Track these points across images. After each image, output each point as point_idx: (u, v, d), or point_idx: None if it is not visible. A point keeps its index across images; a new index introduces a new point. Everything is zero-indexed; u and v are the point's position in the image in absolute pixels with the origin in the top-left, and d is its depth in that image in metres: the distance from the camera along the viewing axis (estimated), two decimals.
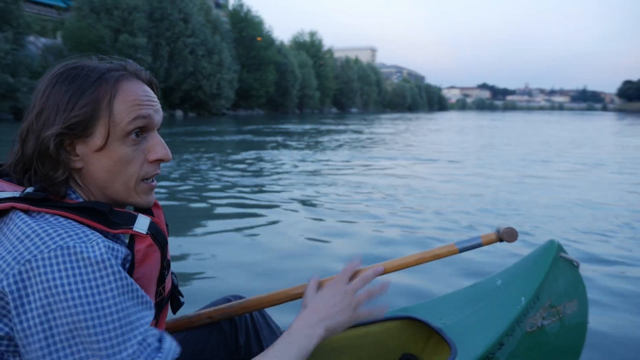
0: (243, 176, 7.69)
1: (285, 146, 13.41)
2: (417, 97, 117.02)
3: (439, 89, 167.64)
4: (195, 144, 13.89)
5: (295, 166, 9.07)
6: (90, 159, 0.82)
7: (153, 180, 0.90)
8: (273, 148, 12.79)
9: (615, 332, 2.45)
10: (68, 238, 0.71)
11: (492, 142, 16.00)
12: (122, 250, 0.77)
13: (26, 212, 0.76)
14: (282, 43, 56.83)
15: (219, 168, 8.68)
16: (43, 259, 0.68)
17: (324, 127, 24.40)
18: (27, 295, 0.68)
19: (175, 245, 3.81)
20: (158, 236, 0.85)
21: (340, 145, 13.78)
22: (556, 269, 1.65)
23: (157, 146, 0.87)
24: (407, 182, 7.22)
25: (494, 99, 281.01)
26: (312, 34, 69.20)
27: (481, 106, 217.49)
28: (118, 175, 0.84)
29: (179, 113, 39.61)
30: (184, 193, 6.17)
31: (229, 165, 9.13)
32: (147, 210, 0.92)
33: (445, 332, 1.50)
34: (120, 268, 0.73)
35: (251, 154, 11.06)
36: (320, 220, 4.81)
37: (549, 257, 1.65)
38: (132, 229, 0.82)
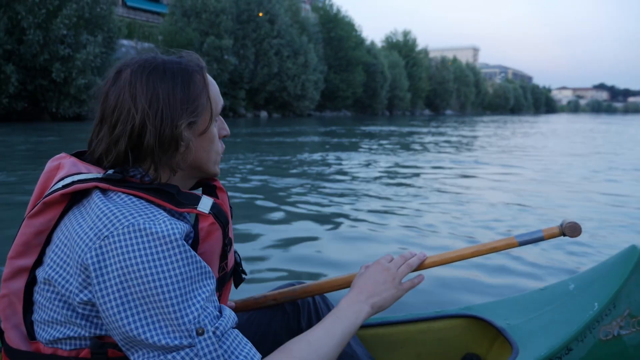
0: (303, 176, 7.60)
1: (356, 147, 13.03)
2: (520, 99, 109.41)
3: (548, 90, 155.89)
4: (268, 144, 13.86)
5: (353, 166, 8.89)
6: (194, 142, 0.94)
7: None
8: (343, 149, 12.44)
9: None
10: (138, 217, 0.82)
11: (585, 148, 14.34)
12: (185, 227, 0.86)
13: (105, 191, 0.88)
14: (372, 43, 55.53)
15: (275, 167, 8.69)
16: (118, 234, 0.80)
17: (406, 130, 23.36)
18: (106, 266, 0.79)
19: (243, 231, 3.97)
20: (220, 216, 0.94)
21: (413, 148, 13.20)
22: (638, 276, 1.54)
23: (224, 124, 1.04)
24: (461, 186, 6.86)
25: (613, 101, 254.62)
26: (406, 34, 67.04)
27: (597, 108, 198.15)
28: (211, 152, 0.99)
29: (263, 114, 40.01)
30: (248, 188, 6.38)
31: (292, 164, 9.19)
32: (212, 194, 1.04)
33: (508, 332, 1.47)
34: (183, 242, 0.82)
35: (317, 155, 10.83)
36: (378, 213, 4.86)
37: (629, 263, 1.55)
38: (196, 208, 0.91)
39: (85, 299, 0.82)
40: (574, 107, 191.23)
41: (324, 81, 44.69)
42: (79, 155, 1.00)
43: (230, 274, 1.06)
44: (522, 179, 7.53)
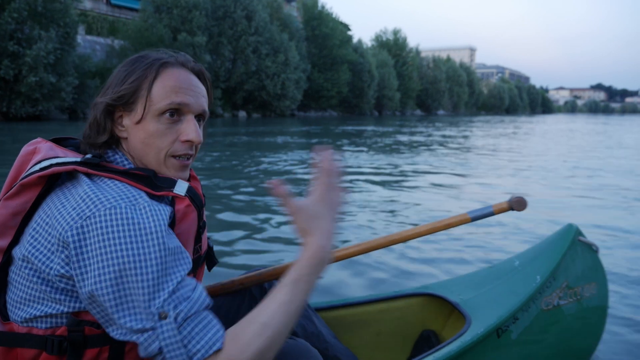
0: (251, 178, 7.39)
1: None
2: (516, 99, 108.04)
3: (545, 90, 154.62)
4: (238, 144, 13.74)
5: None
6: (131, 130, 0.97)
7: (188, 159, 1.00)
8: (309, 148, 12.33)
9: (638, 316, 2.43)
10: (120, 201, 0.85)
11: (557, 147, 13.89)
12: (167, 210, 0.89)
13: (87, 175, 0.91)
14: (359, 41, 54.12)
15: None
16: (100, 215, 0.83)
17: (386, 129, 22.89)
18: (86, 244, 0.83)
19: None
20: (195, 198, 0.97)
21: (383, 147, 13.13)
22: (574, 251, 1.70)
23: (189, 129, 0.97)
24: (417, 180, 7.08)
25: (610, 101, 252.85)
26: (396, 32, 65.55)
27: (594, 109, 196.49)
28: (150, 147, 0.96)
29: (242, 114, 38.58)
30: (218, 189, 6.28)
31: (257, 161, 9.31)
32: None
33: (461, 306, 1.58)
34: (161, 227, 0.85)
35: (283, 154, 10.65)
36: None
37: (566, 240, 1.71)
38: (172, 191, 0.95)
39: (66, 274, 0.84)
40: (571, 108, 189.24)
41: (307, 80, 43.23)
42: (56, 141, 1.02)
43: (204, 257, 1.07)
44: (478, 174, 7.85)
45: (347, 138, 16.53)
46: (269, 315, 0.83)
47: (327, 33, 46.88)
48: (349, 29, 49.31)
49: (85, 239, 0.82)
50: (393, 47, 63.79)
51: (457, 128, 26.05)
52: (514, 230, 3.98)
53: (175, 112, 0.96)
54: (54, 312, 0.87)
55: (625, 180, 7.49)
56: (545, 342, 1.61)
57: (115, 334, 0.84)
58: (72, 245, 0.82)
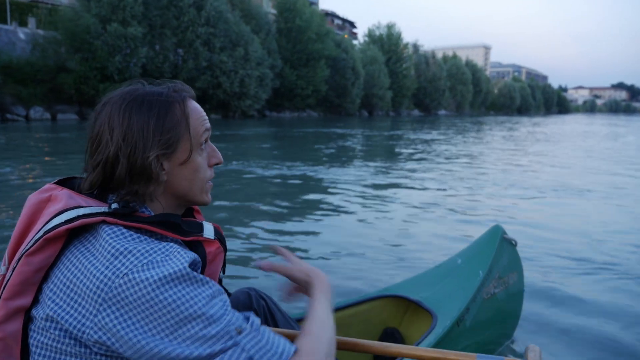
0: None
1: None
2: (528, 98, 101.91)
3: (563, 90, 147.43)
4: None
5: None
6: (174, 171, 0.95)
7: (210, 182, 1.05)
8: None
9: (546, 297, 2.96)
10: (154, 253, 0.83)
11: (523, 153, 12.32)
12: (196, 258, 0.89)
13: (112, 226, 0.87)
14: (343, 36, 49.49)
15: None
16: (138, 271, 0.80)
17: (353, 132, 21.30)
18: (130, 302, 0.79)
19: None
20: (222, 240, 1.01)
21: (337, 156, 12.00)
22: (501, 247, 2.02)
23: (215, 152, 1.03)
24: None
25: (632, 101, 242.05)
26: (390, 26, 60.65)
27: (615, 109, 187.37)
28: (195, 182, 0.98)
29: None
30: None
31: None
32: (189, 215, 1.08)
33: (424, 303, 1.81)
34: (194, 271, 0.86)
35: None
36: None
37: (496, 239, 2.01)
38: (202, 235, 0.96)
39: (100, 340, 0.80)
40: (590, 107, 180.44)
41: (276, 77, 38.86)
42: (62, 182, 0.98)
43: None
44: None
45: (301, 144, 15.25)
46: (329, 320, 0.98)
47: (301, 26, 42.34)
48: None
49: (126, 298, 0.77)
50: (386, 42, 58.99)
51: (437, 131, 22.94)
52: (447, 233, 4.56)
53: (205, 141, 0.98)
54: None
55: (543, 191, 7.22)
56: (487, 324, 1.94)
57: None
58: (112, 308, 0.78)
